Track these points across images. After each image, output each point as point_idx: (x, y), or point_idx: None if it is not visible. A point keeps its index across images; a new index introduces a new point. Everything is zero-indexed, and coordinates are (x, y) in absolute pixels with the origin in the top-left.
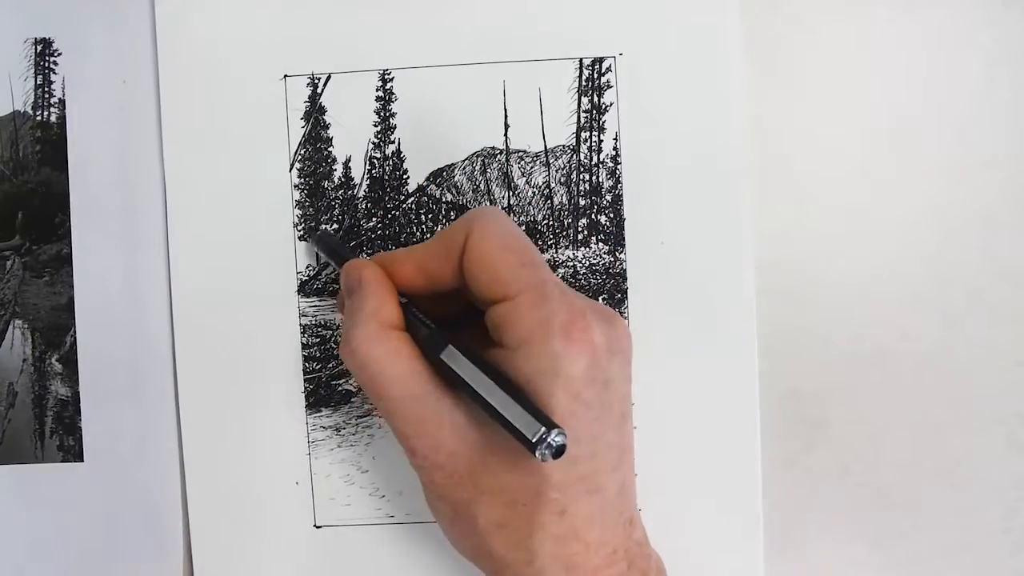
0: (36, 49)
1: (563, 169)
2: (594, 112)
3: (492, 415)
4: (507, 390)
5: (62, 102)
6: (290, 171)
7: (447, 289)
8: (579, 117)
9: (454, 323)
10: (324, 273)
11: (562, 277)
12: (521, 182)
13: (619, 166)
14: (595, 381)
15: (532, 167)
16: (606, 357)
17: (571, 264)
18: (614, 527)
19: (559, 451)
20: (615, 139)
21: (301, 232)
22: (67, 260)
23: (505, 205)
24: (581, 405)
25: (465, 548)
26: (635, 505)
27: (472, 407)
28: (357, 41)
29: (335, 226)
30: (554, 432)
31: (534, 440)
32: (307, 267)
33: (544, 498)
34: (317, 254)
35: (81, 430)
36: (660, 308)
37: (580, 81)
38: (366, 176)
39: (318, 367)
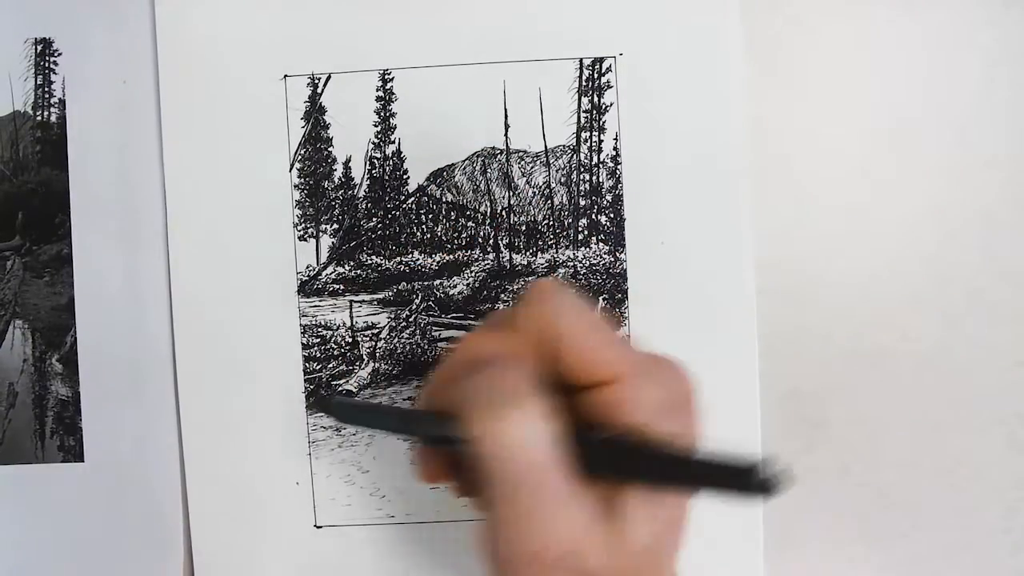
0: (36, 49)
1: (563, 169)
2: (594, 112)
3: (692, 486)
4: (681, 456)
5: (62, 102)
6: (290, 171)
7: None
8: (579, 117)
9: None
10: (324, 273)
11: (562, 277)
12: (521, 182)
13: (619, 166)
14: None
15: (532, 167)
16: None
17: (571, 264)
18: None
19: (777, 479)
20: (615, 139)
21: (313, 397)
22: (67, 260)
23: (505, 205)
24: None
25: None
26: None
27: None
28: (357, 41)
29: (335, 226)
30: (761, 460)
31: (753, 477)
32: (307, 267)
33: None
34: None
35: (81, 430)
36: (660, 308)
37: (580, 81)
38: (366, 176)
39: (318, 367)
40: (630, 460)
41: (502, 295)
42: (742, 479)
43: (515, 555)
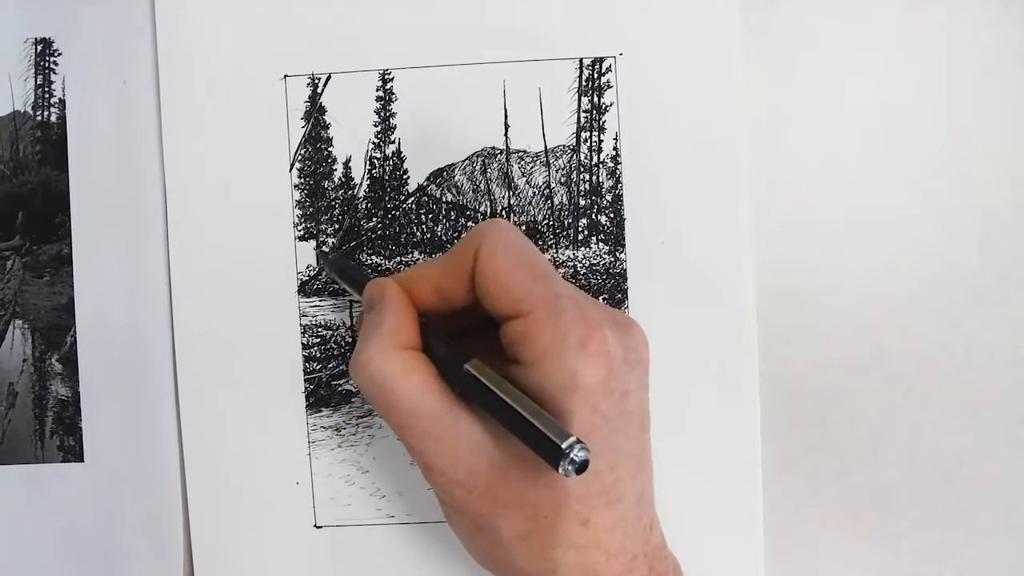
0: (36, 49)
1: (563, 169)
2: (594, 112)
3: (514, 432)
4: (527, 406)
5: (62, 102)
6: (290, 171)
7: (461, 306)
8: (579, 117)
9: (470, 336)
10: (324, 273)
11: (562, 277)
12: (521, 182)
13: (619, 166)
14: (613, 393)
15: (532, 167)
16: (623, 368)
17: (571, 264)
18: (634, 534)
19: (582, 466)
20: (615, 139)
21: (321, 249)
22: (67, 260)
23: (505, 205)
24: (600, 418)
25: (486, 561)
26: (654, 510)
27: (490, 423)
28: (357, 41)
29: (335, 226)
30: (577, 448)
31: (557, 456)
32: (307, 267)
33: (566, 510)
34: (322, 267)
35: (81, 430)
36: (660, 308)
37: (580, 81)
38: (366, 176)
39: (318, 367)
40: (481, 394)
41: None
42: (546, 449)
43: (425, 474)
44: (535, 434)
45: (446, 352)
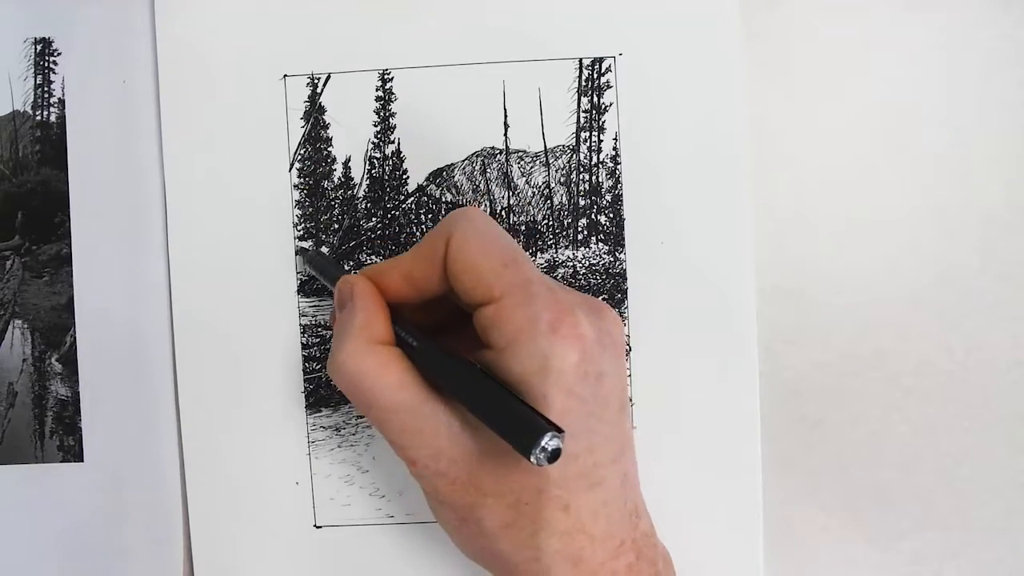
0: (36, 49)
1: (563, 169)
2: (594, 112)
3: (486, 422)
4: (498, 395)
5: (62, 102)
6: (290, 171)
7: (435, 295)
8: (579, 117)
9: (445, 330)
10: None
11: (562, 277)
12: (521, 182)
13: (619, 166)
14: (587, 375)
15: (532, 167)
16: (597, 350)
17: (571, 264)
18: (620, 519)
19: (555, 454)
20: (615, 139)
21: (300, 245)
22: (67, 260)
23: (505, 205)
24: (575, 400)
25: (472, 551)
26: (640, 496)
27: (468, 413)
28: (357, 41)
29: (335, 226)
30: (547, 436)
31: (529, 446)
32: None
33: (547, 496)
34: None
35: (81, 430)
36: (660, 308)
37: (580, 81)
38: (366, 176)
39: (318, 367)
40: (453, 386)
41: None
42: (518, 439)
43: (409, 468)
44: (506, 424)
45: (418, 344)
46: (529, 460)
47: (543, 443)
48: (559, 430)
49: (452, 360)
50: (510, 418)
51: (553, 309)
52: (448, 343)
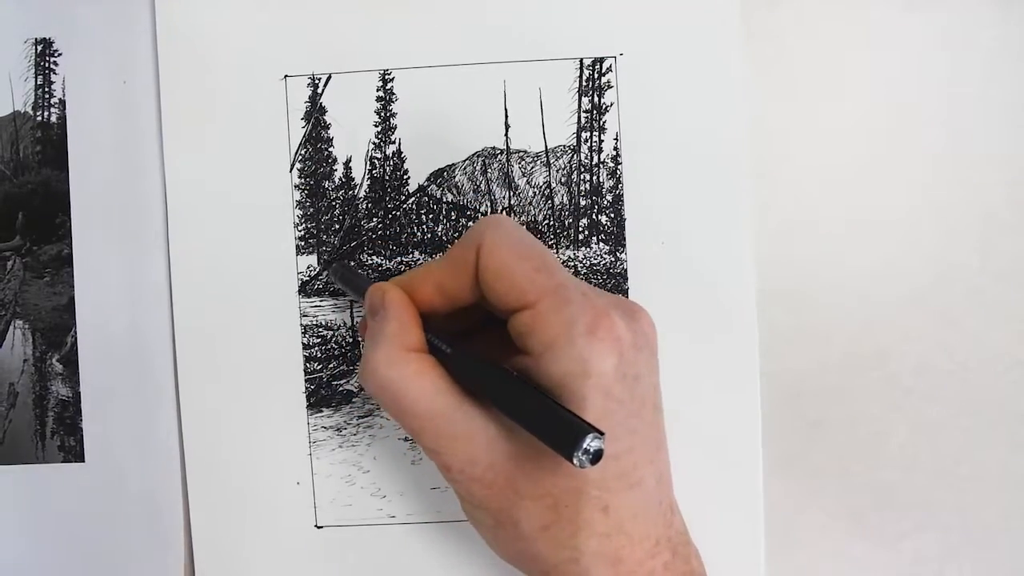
0: (36, 49)
1: (564, 169)
2: (594, 112)
3: (525, 426)
4: (537, 398)
5: (62, 102)
6: (290, 171)
7: (465, 304)
8: (579, 117)
9: (477, 336)
10: (324, 273)
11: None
12: (522, 182)
13: (619, 166)
14: (625, 377)
15: (533, 167)
16: (632, 352)
17: (572, 264)
18: (655, 518)
19: (596, 456)
20: (615, 139)
21: (323, 259)
22: (67, 260)
23: (506, 205)
24: (614, 402)
25: (508, 553)
26: (672, 494)
27: (503, 417)
28: (357, 41)
29: (335, 226)
30: (589, 438)
31: (571, 448)
32: (307, 267)
33: (586, 497)
34: (325, 274)
35: (82, 430)
36: (660, 308)
37: (580, 81)
38: (366, 176)
39: (319, 367)
40: (490, 391)
41: None
42: (559, 441)
43: (443, 473)
44: (546, 427)
45: (452, 351)
46: (571, 462)
47: (585, 445)
48: (599, 432)
49: (488, 366)
50: (550, 421)
51: (589, 312)
52: (477, 349)
